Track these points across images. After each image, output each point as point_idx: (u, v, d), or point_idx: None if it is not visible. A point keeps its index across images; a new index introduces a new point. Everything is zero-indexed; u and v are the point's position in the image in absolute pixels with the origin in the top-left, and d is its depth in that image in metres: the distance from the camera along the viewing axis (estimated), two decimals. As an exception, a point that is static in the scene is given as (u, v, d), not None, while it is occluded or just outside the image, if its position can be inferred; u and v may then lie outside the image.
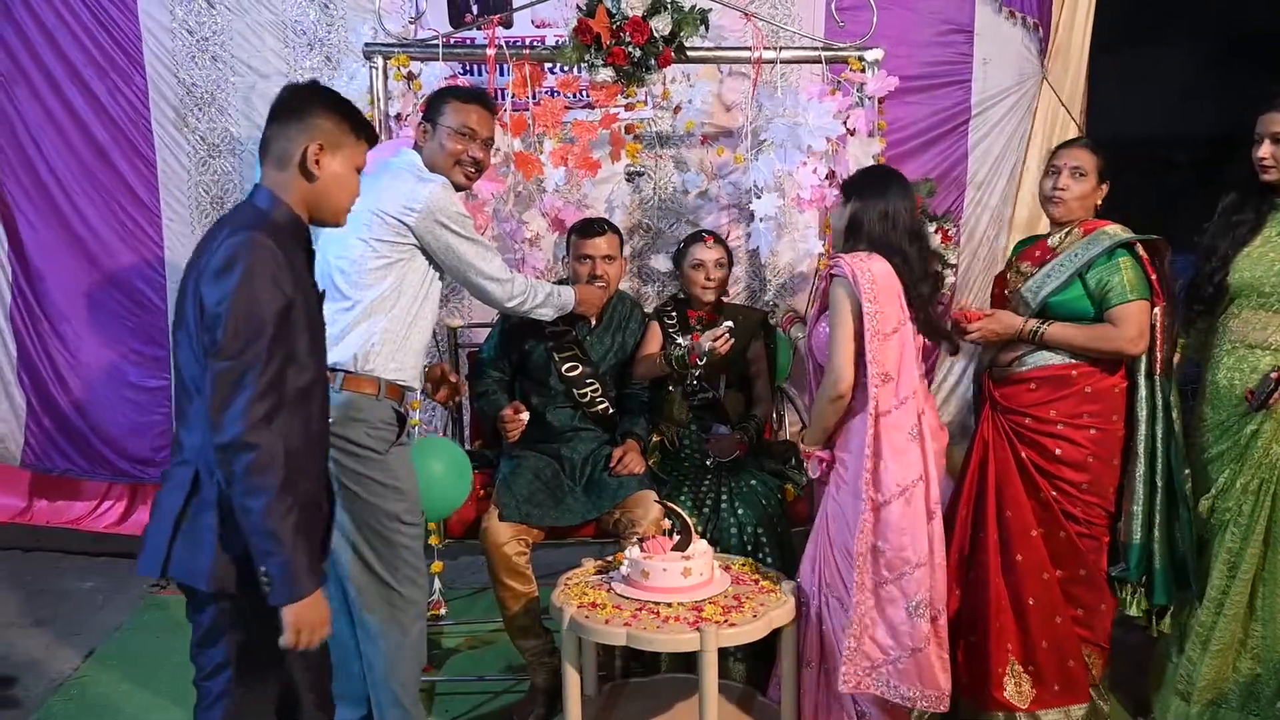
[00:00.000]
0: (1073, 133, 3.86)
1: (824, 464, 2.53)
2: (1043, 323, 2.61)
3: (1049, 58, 3.84)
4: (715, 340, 2.87)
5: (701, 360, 2.91)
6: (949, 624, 2.52)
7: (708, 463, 3.08)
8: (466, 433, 3.51)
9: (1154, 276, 2.59)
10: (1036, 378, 2.64)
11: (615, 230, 3.12)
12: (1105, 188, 2.71)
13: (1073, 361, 2.62)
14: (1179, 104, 4.66)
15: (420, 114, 2.62)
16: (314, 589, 1.76)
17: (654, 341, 3.16)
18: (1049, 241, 2.74)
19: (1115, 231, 2.63)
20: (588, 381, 3.07)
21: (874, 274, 2.40)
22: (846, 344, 2.41)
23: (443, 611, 3.26)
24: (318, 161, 1.84)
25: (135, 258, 3.87)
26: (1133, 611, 2.68)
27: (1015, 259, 2.81)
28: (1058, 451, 2.62)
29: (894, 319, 2.41)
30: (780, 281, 3.87)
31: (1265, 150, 2.47)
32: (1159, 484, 2.61)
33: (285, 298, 1.73)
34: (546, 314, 2.79)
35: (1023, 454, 2.63)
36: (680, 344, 2.99)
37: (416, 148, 2.55)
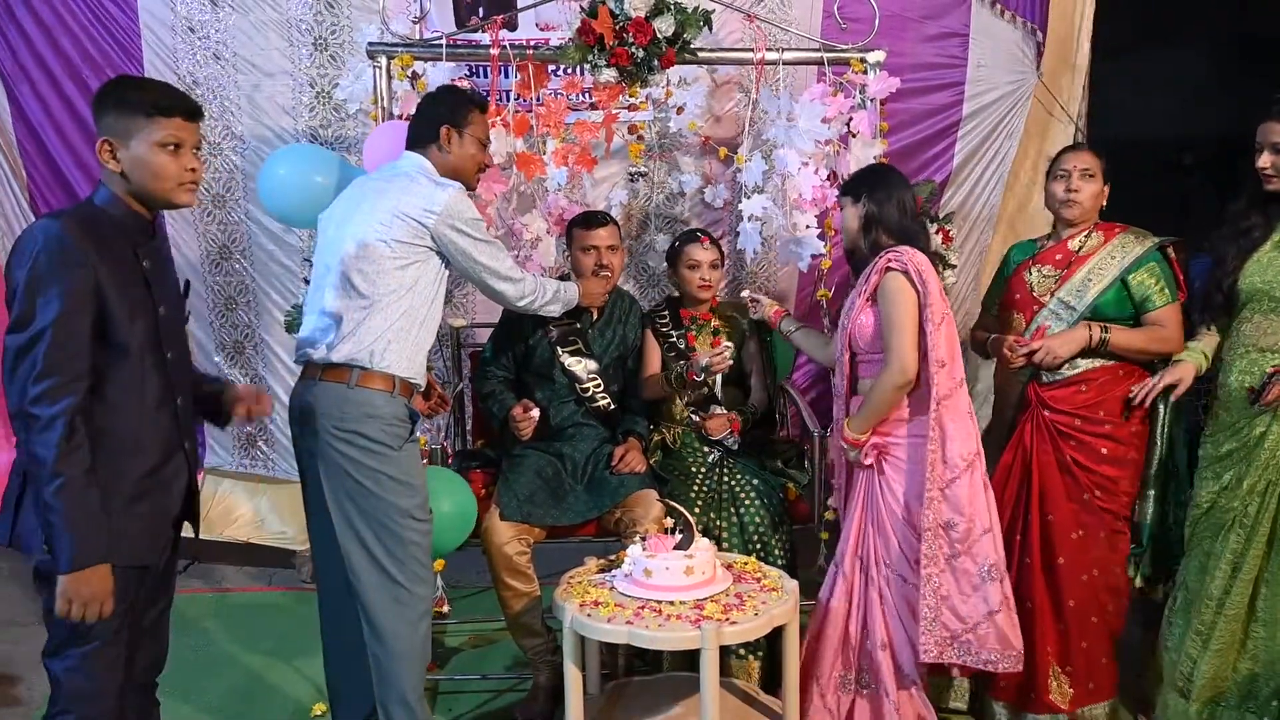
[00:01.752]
0: (1071, 135, 3.90)
1: (876, 450, 2.60)
2: (1105, 330, 2.67)
3: (1045, 60, 3.86)
4: (713, 358, 2.97)
5: (699, 376, 3.01)
6: None
7: (705, 449, 3.10)
8: (469, 431, 3.52)
9: (1181, 277, 2.71)
10: (1088, 379, 2.72)
11: (614, 221, 3.17)
12: (1107, 189, 2.78)
13: (1120, 361, 2.70)
14: (1182, 106, 4.67)
15: (433, 114, 2.56)
16: (84, 565, 1.82)
17: (653, 354, 3.20)
18: (1069, 245, 2.80)
19: (1141, 234, 2.74)
20: (590, 375, 3.09)
21: (923, 267, 2.53)
22: (912, 333, 2.50)
23: (446, 609, 3.27)
24: (113, 156, 1.92)
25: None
26: (1137, 582, 2.79)
27: (1031, 261, 2.85)
28: (1104, 450, 2.71)
29: (943, 308, 2.53)
30: (768, 276, 3.90)
31: (1266, 160, 2.49)
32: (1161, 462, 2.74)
33: (81, 278, 1.81)
34: (554, 310, 2.83)
35: (1068, 455, 2.71)
36: (681, 363, 3.06)
37: (422, 148, 2.52)
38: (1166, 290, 2.69)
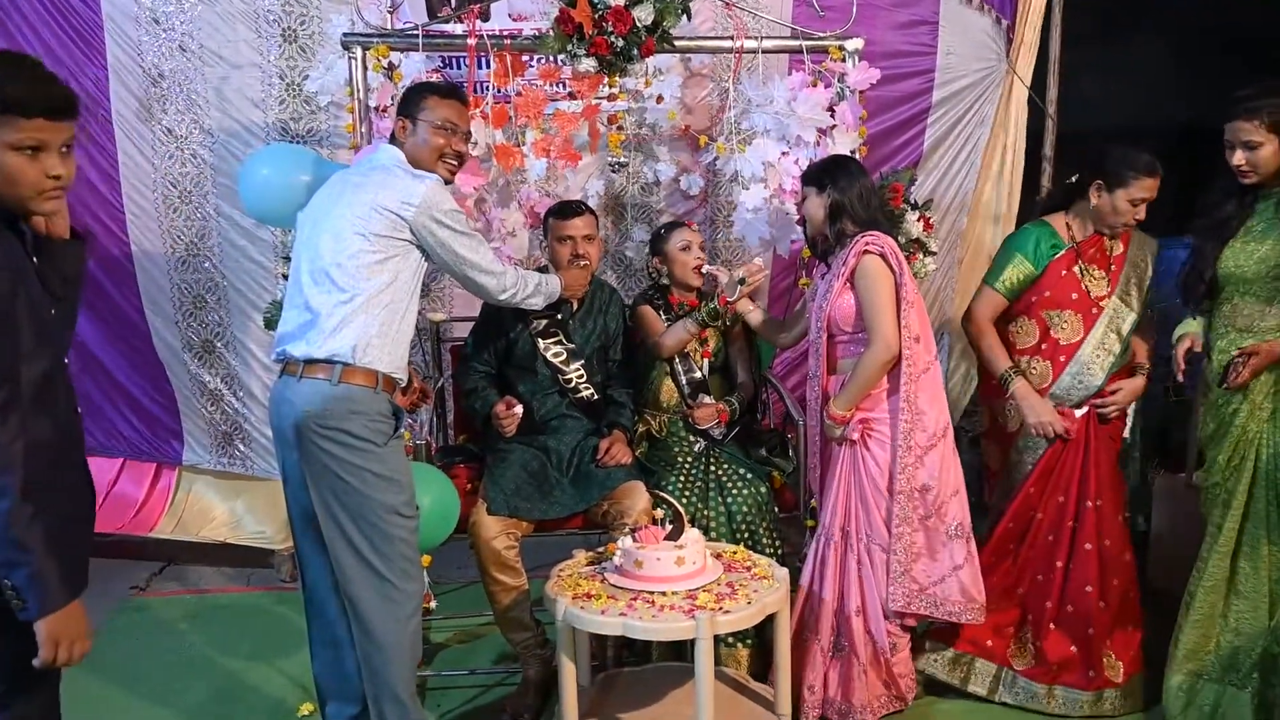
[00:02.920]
0: (1044, 123, 3.95)
1: (862, 426, 2.71)
2: (1146, 368, 2.93)
3: (1015, 49, 3.89)
4: (749, 273, 2.95)
5: (732, 298, 3.00)
6: (1036, 609, 2.89)
7: (690, 438, 3.10)
8: (451, 426, 3.49)
9: None
10: (1126, 368, 2.92)
11: (592, 211, 3.15)
12: None
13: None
14: (1144, 97, 4.75)
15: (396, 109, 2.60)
16: (69, 600, 1.64)
17: (656, 323, 3.18)
18: (1105, 245, 2.90)
19: (1141, 234, 2.92)
20: (573, 366, 3.07)
21: (896, 249, 2.69)
22: (892, 311, 2.65)
23: (433, 605, 3.24)
24: None
25: (104, 255, 3.77)
26: None
27: (1076, 257, 2.87)
28: (1106, 408, 2.91)
29: (914, 287, 2.70)
30: (742, 263, 3.89)
31: (1239, 158, 2.54)
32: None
33: (10, 282, 1.60)
34: (537, 303, 2.80)
35: (1106, 433, 2.89)
36: (710, 301, 3.05)
37: (394, 142, 2.54)
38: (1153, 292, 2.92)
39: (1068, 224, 2.92)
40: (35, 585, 1.60)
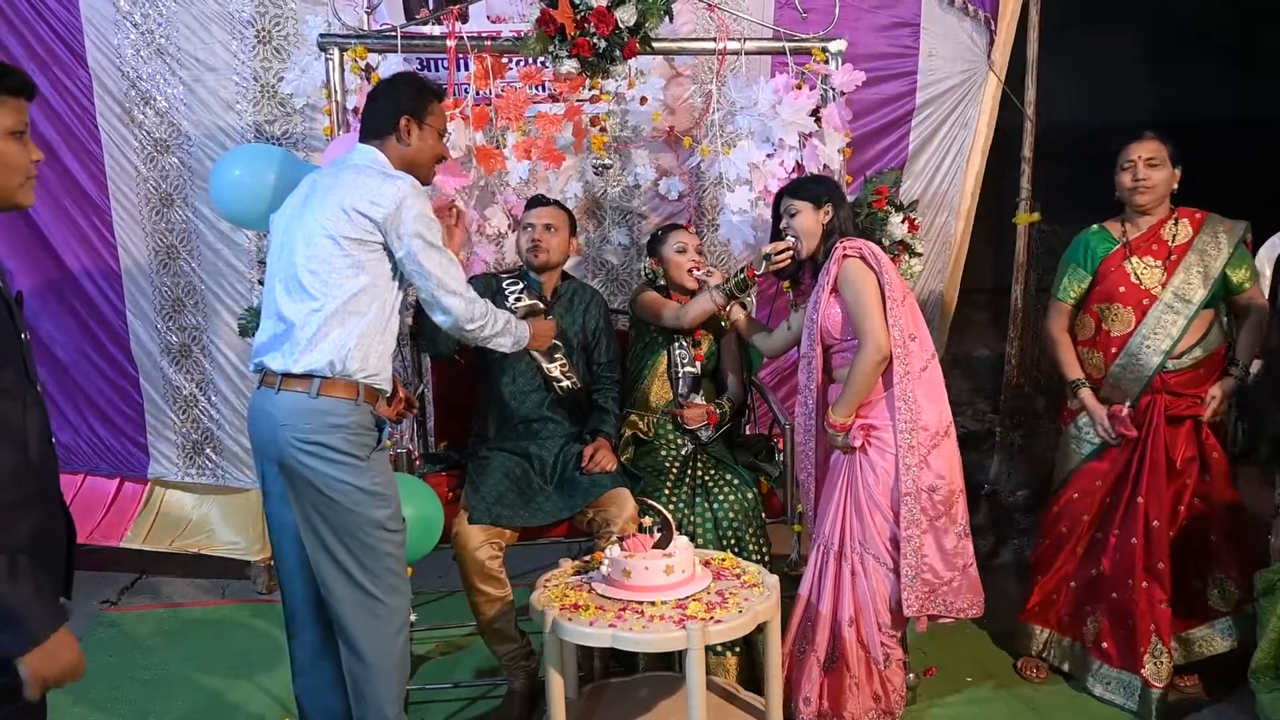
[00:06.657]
0: (1021, 123, 3.94)
1: (864, 432, 2.68)
2: (1244, 366, 2.91)
3: (996, 49, 3.89)
4: (778, 252, 2.88)
5: (759, 273, 2.94)
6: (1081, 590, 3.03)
7: (678, 440, 3.08)
8: (431, 432, 3.44)
9: None
10: (1207, 363, 2.91)
11: (562, 207, 3.12)
12: (1179, 172, 2.93)
13: (1223, 344, 2.95)
14: (1123, 92, 4.77)
15: (392, 104, 2.43)
16: (50, 632, 1.58)
17: (666, 302, 3.16)
18: (1162, 235, 2.93)
19: (1222, 220, 2.92)
20: (556, 356, 3.03)
21: (875, 250, 2.69)
22: (878, 311, 2.63)
23: (413, 617, 3.18)
24: None
25: (90, 257, 3.72)
26: None
27: (1127, 251, 2.93)
28: (1205, 415, 2.91)
29: (902, 286, 2.69)
30: (725, 269, 3.87)
31: None
32: None
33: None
34: (505, 344, 2.55)
35: (1179, 429, 2.90)
36: (739, 272, 3.02)
37: (382, 140, 2.39)
38: (1251, 272, 2.93)
39: (1121, 223, 3.02)
40: (5, 621, 1.54)
